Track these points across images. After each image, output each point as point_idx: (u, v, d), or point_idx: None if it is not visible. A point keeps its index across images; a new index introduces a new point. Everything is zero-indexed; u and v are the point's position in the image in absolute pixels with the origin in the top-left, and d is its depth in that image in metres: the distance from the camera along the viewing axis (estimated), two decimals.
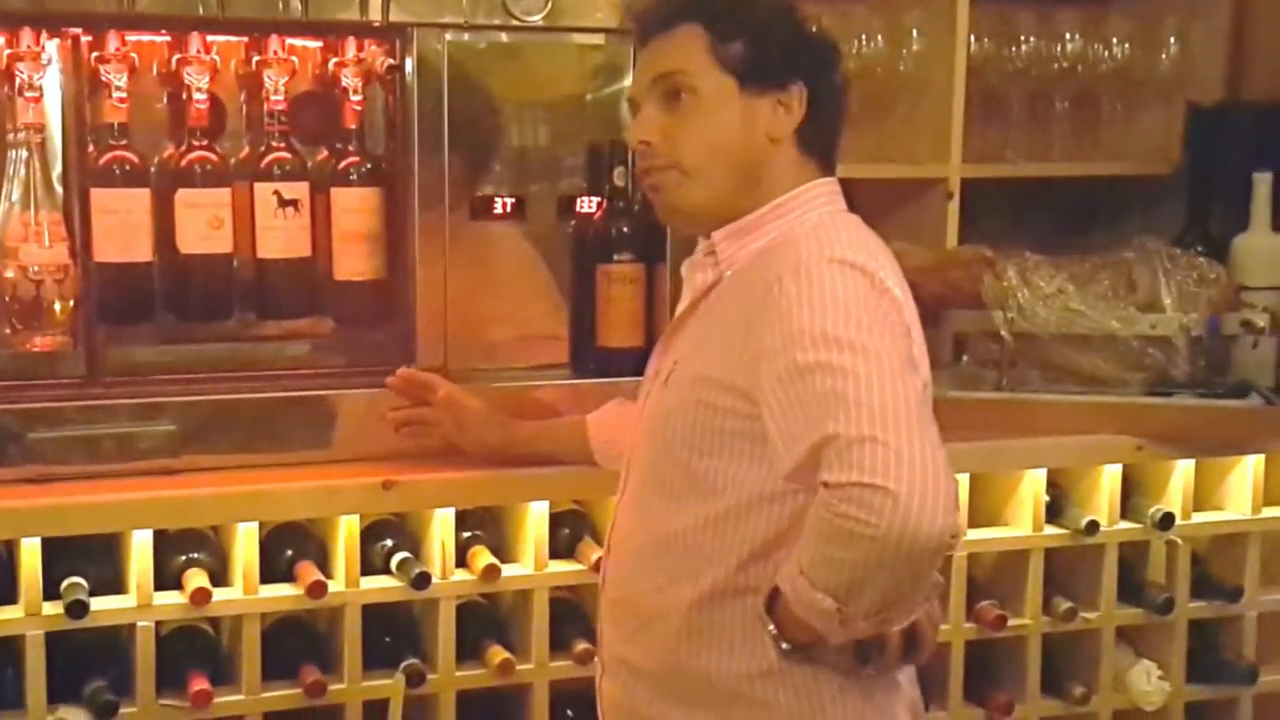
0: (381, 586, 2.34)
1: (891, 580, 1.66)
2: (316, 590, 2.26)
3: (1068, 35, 3.19)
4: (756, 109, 1.87)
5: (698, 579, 1.86)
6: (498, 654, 2.37)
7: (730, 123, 1.87)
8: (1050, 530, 2.68)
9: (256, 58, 2.44)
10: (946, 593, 2.61)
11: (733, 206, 1.90)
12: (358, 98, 2.47)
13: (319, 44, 2.50)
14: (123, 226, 2.36)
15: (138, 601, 2.20)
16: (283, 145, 2.45)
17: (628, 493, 2.00)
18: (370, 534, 2.36)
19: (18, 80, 2.29)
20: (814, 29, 1.95)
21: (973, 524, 2.64)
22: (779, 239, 1.86)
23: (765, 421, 1.75)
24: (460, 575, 2.37)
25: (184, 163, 2.40)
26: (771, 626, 1.79)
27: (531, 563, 2.40)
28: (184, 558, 2.28)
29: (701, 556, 1.86)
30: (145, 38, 2.39)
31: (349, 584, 2.31)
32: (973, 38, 3.03)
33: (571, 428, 2.35)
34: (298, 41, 2.47)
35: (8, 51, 2.30)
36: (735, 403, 1.80)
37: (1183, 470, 2.74)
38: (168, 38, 2.40)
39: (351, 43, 2.45)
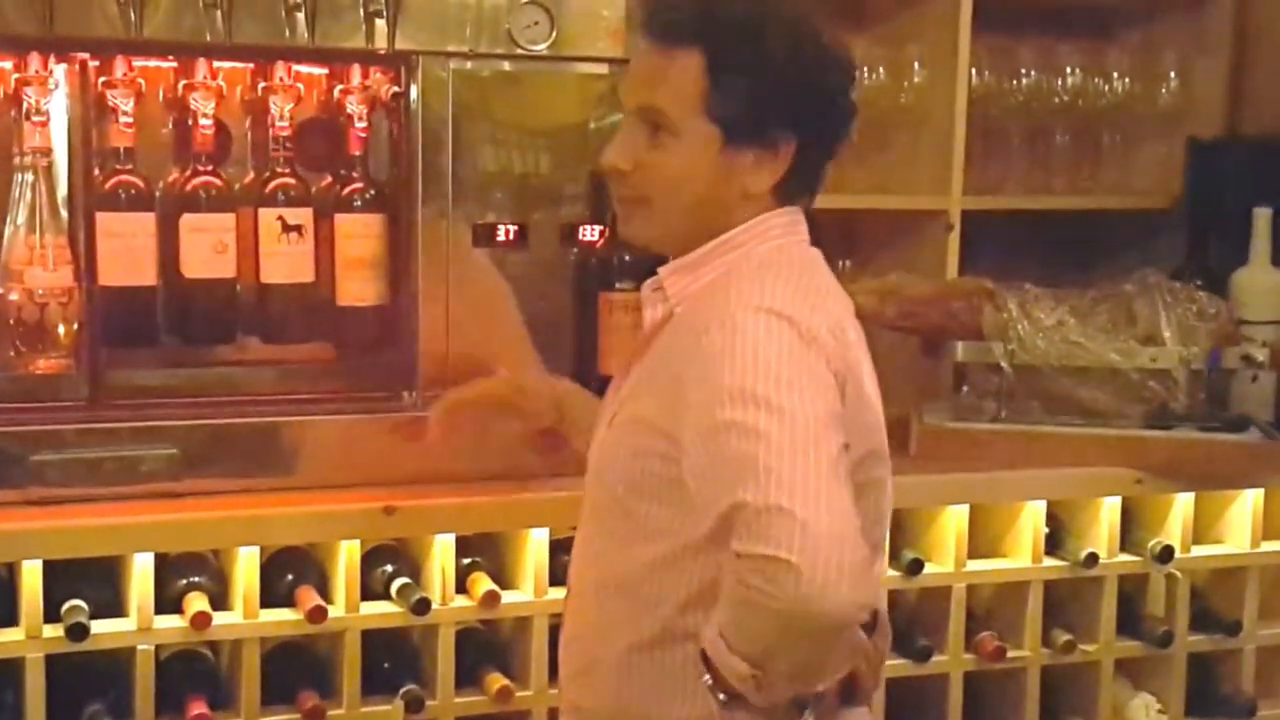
0: (381, 612, 2.34)
1: (801, 650, 1.64)
2: (316, 615, 2.26)
3: (1068, 69, 3.20)
4: (736, 161, 1.81)
5: (638, 623, 1.83)
6: (497, 681, 2.37)
7: (705, 173, 1.81)
8: (1049, 562, 2.68)
9: (262, 84, 2.45)
10: (934, 627, 2.63)
11: (691, 240, 1.86)
12: (362, 125, 2.48)
13: (324, 71, 2.51)
14: (127, 250, 2.36)
15: (138, 625, 2.20)
16: (287, 171, 2.46)
17: (580, 532, 1.98)
18: (371, 559, 2.36)
19: (25, 104, 2.30)
20: (825, 59, 1.83)
21: (972, 555, 2.64)
22: (723, 276, 1.82)
23: (685, 475, 1.72)
24: (460, 601, 2.37)
25: (189, 187, 2.41)
26: (707, 676, 1.72)
27: (531, 589, 2.40)
28: (184, 581, 2.28)
29: (640, 601, 1.82)
30: (152, 63, 2.40)
31: (349, 609, 2.31)
32: (974, 71, 3.04)
33: None
34: (303, 68, 2.48)
35: (15, 76, 2.31)
36: (669, 448, 1.76)
37: (1182, 503, 2.74)
38: (174, 63, 2.41)
39: (357, 70, 2.46)
